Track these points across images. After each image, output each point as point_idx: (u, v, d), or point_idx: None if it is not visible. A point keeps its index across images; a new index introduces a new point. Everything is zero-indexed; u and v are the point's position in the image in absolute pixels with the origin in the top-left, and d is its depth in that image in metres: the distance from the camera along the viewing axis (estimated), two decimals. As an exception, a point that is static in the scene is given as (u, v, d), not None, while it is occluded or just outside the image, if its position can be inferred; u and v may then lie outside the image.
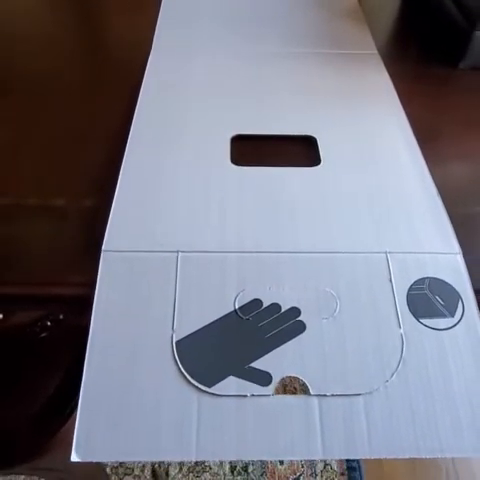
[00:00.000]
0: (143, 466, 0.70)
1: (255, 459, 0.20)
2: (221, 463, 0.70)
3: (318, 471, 0.71)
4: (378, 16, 0.46)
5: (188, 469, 0.70)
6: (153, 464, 0.70)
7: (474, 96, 0.37)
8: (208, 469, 0.70)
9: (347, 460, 0.71)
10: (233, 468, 0.70)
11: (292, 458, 0.20)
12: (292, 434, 0.20)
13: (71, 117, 0.34)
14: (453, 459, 0.70)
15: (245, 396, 0.21)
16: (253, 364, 0.21)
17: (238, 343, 0.22)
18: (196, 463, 0.70)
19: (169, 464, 0.70)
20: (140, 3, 0.47)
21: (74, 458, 0.19)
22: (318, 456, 0.20)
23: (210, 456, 0.20)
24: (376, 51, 0.40)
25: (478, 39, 0.38)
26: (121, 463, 0.69)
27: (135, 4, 0.47)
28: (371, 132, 0.32)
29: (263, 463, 0.70)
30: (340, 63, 0.38)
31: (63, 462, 0.29)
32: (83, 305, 0.23)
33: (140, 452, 0.20)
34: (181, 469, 0.70)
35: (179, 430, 0.20)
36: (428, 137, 0.32)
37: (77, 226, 0.27)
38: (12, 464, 0.30)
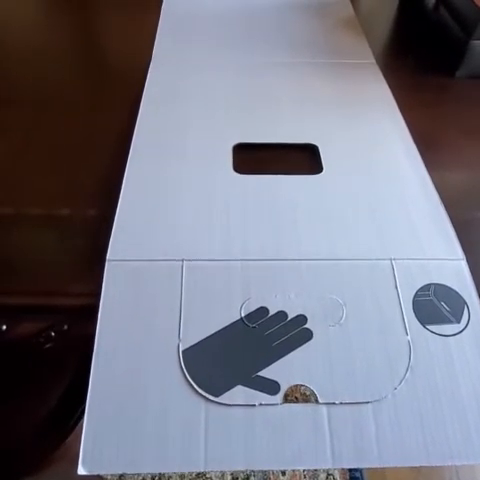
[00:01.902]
0: (143, 479, 0.69)
1: (264, 469, 0.20)
2: (222, 475, 0.69)
3: (320, 482, 0.70)
4: (374, 26, 0.47)
5: (189, 481, 0.69)
6: (153, 477, 0.69)
7: (471, 104, 0.38)
8: (209, 481, 0.69)
9: (350, 470, 0.71)
10: (235, 479, 0.69)
11: (301, 467, 0.20)
12: (301, 443, 0.20)
13: (72, 126, 0.34)
14: (456, 469, 0.69)
15: (253, 405, 0.20)
16: (261, 373, 0.21)
17: (245, 352, 0.22)
18: (197, 475, 0.69)
19: (170, 476, 0.69)
20: (140, 10, 0.47)
21: (81, 471, 0.19)
22: (328, 465, 0.20)
23: (218, 466, 0.20)
24: (374, 60, 0.40)
25: (474, 48, 0.38)
26: (121, 476, 0.68)
27: (135, 11, 0.47)
28: (372, 140, 0.32)
29: (265, 474, 0.70)
30: (339, 72, 0.38)
31: (66, 475, 0.28)
32: (88, 315, 0.23)
33: (148, 463, 0.19)
34: (182, 481, 0.69)
35: (187, 440, 0.20)
36: (427, 145, 0.32)
37: (81, 236, 0.27)
38: (15, 477, 0.29)
